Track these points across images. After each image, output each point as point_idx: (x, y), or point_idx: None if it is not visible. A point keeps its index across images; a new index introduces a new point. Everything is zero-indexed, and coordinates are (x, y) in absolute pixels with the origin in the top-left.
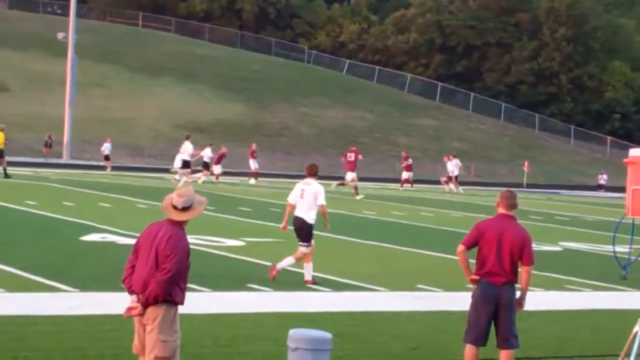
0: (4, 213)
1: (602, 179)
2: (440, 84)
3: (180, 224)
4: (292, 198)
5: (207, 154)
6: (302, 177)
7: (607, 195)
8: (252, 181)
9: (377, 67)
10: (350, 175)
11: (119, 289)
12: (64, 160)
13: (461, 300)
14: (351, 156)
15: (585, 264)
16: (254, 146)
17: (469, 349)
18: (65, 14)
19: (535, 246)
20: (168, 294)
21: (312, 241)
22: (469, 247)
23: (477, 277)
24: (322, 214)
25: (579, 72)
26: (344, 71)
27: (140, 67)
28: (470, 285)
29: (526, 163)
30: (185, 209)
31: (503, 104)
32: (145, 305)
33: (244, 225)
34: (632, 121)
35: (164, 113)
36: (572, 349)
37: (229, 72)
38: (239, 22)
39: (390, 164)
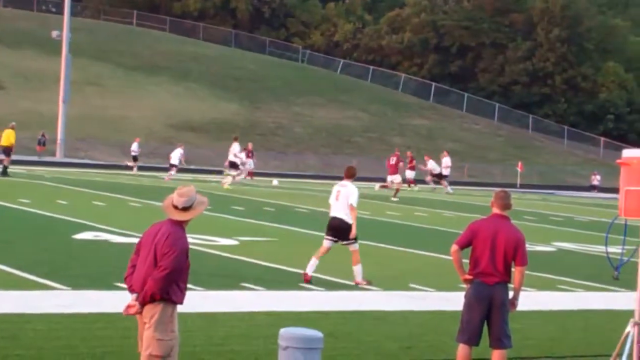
0: None
1: (596, 180)
2: (434, 84)
3: (180, 224)
4: (331, 199)
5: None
6: (295, 176)
7: (600, 195)
8: (275, 182)
9: (372, 67)
10: (391, 178)
11: (112, 287)
12: (58, 158)
13: (454, 300)
14: (393, 159)
15: (578, 264)
16: (250, 145)
17: (461, 349)
18: (60, 12)
19: (528, 246)
20: (165, 292)
21: (356, 244)
22: (462, 247)
23: (470, 277)
24: (351, 214)
25: (573, 73)
26: (338, 71)
27: (135, 66)
28: (464, 285)
29: (520, 163)
30: (185, 208)
31: (497, 105)
32: (143, 303)
33: (237, 224)
34: (625, 122)
35: (158, 112)
36: (565, 349)
37: (223, 72)
38: (234, 21)
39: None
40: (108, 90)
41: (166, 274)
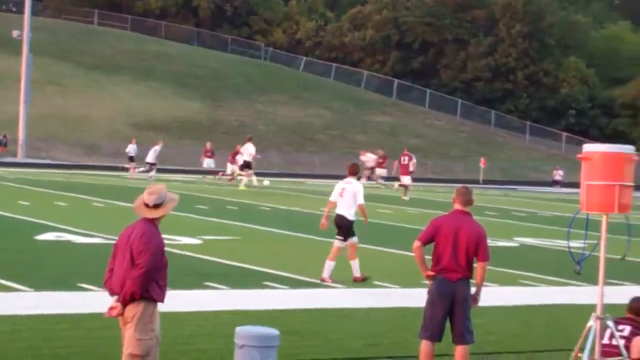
0: None
1: (558, 175)
2: (396, 80)
3: (153, 222)
4: (333, 196)
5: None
6: (258, 174)
7: (563, 190)
8: (267, 182)
9: (334, 64)
10: (404, 179)
11: (75, 288)
12: (20, 159)
13: (418, 297)
14: (405, 159)
15: (541, 259)
16: (208, 145)
17: (424, 345)
18: (20, 11)
19: (491, 242)
20: (145, 290)
21: (355, 238)
22: (424, 243)
23: (432, 274)
24: (360, 211)
25: (534, 69)
26: (301, 68)
27: (96, 65)
28: (426, 282)
29: (482, 159)
30: (156, 206)
31: (459, 101)
32: (124, 303)
33: (201, 223)
34: (587, 117)
35: (120, 111)
36: (527, 344)
37: (185, 70)
38: (195, 19)
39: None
40: (69, 89)
41: (144, 271)
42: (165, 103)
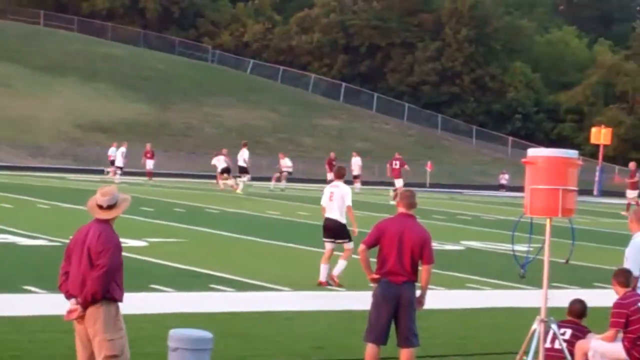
0: None
1: (504, 179)
2: (344, 84)
3: (108, 222)
4: (323, 201)
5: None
6: (205, 177)
7: (509, 194)
8: (283, 184)
9: (282, 67)
10: (397, 182)
11: (19, 291)
12: None
13: (363, 300)
14: (396, 164)
15: (486, 262)
16: (148, 146)
17: (370, 348)
18: None
19: (437, 245)
20: (106, 290)
21: (351, 243)
22: (369, 246)
23: (377, 277)
24: (348, 214)
25: (481, 73)
26: (248, 71)
27: (42, 66)
28: (372, 285)
29: (429, 163)
30: (110, 206)
31: (406, 104)
32: (85, 305)
33: (146, 225)
34: (532, 121)
35: (67, 112)
36: (473, 347)
37: (132, 72)
38: (143, 21)
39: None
40: (15, 90)
41: (104, 271)
42: (112, 105)
